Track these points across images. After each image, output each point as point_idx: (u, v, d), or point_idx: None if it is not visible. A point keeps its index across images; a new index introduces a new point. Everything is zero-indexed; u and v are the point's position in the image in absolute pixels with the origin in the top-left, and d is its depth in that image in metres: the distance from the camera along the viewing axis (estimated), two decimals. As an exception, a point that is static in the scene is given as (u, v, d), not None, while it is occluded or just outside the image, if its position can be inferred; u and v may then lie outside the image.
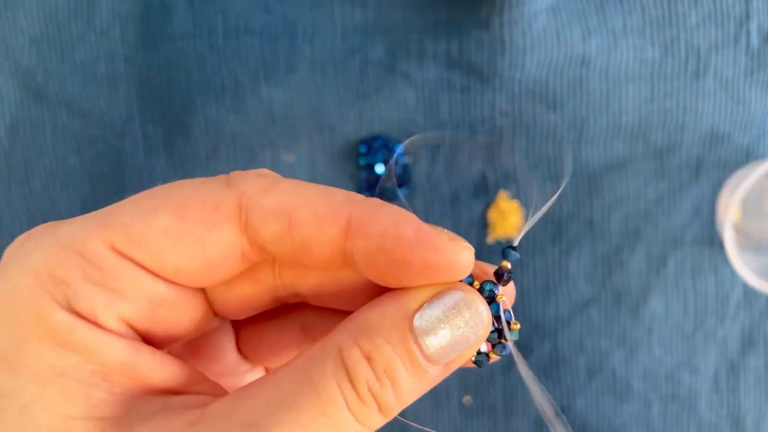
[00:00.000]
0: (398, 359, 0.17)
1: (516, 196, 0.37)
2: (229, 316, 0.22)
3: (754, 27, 0.36)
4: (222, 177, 0.18)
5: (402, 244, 0.17)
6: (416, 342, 0.17)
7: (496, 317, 0.19)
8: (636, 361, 0.38)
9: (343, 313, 0.20)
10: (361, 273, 0.19)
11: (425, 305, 0.18)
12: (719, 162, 0.37)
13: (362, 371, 0.17)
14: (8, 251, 0.18)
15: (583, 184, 0.37)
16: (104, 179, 0.37)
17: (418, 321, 0.17)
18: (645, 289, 0.38)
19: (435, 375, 0.18)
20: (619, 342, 0.38)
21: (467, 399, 0.38)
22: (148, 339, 0.19)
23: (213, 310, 0.21)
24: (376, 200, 0.18)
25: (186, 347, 0.22)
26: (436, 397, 0.38)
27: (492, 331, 0.19)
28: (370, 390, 0.17)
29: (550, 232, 0.37)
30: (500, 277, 0.19)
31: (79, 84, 0.37)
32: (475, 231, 0.37)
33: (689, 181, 0.37)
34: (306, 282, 0.21)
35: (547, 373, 0.38)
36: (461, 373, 0.38)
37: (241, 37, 0.36)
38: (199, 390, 0.19)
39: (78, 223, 0.17)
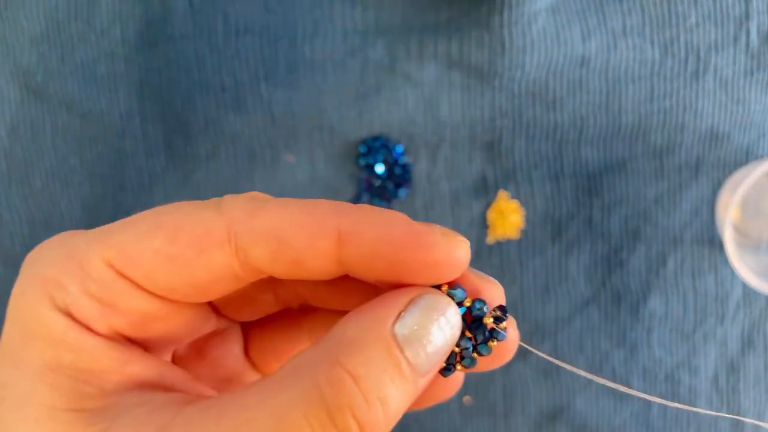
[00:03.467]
0: (387, 375, 0.16)
1: (516, 196, 0.37)
2: (234, 318, 0.22)
3: (753, 27, 0.36)
4: (214, 201, 0.19)
5: (395, 246, 0.17)
6: (402, 353, 0.16)
7: (472, 327, 0.18)
8: (636, 361, 0.38)
9: None
10: (360, 278, 0.19)
11: (402, 314, 0.17)
12: (719, 162, 0.37)
13: (344, 396, 0.15)
14: (29, 256, 0.19)
15: (583, 183, 0.37)
16: (104, 179, 0.37)
17: (399, 329, 0.17)
18: (645, 289, 0.38)
19: (420, 386, 0.17)
20: (619, 342, 0.38)
21: (467, 399, 0.38)
22: (142, 344, 0.19)
23: (218, 312, 0.21)
24: (365, 206, 0.18)
25: (191, 349, 0.22)
26: (436, 396, 0.38)
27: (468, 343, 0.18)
28: (353, 416, 0.15)
29: (549, 232, 0.37)
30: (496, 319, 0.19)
31: (79, 84, 0.37)
32: (475, 231, 0.37)
33: (689, 181, 0.37)
34: (307, 285, 0.21)
35: (547, 373, 0.38)
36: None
37: (240, 38, 0.36)
38: (187, 390, 0.19)
39: (86, 236, 0.18)
